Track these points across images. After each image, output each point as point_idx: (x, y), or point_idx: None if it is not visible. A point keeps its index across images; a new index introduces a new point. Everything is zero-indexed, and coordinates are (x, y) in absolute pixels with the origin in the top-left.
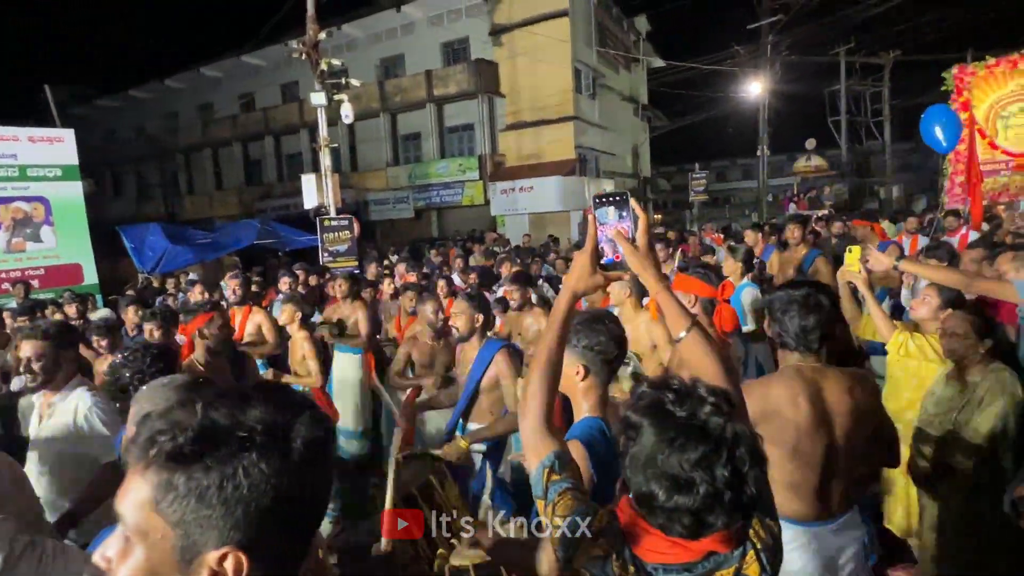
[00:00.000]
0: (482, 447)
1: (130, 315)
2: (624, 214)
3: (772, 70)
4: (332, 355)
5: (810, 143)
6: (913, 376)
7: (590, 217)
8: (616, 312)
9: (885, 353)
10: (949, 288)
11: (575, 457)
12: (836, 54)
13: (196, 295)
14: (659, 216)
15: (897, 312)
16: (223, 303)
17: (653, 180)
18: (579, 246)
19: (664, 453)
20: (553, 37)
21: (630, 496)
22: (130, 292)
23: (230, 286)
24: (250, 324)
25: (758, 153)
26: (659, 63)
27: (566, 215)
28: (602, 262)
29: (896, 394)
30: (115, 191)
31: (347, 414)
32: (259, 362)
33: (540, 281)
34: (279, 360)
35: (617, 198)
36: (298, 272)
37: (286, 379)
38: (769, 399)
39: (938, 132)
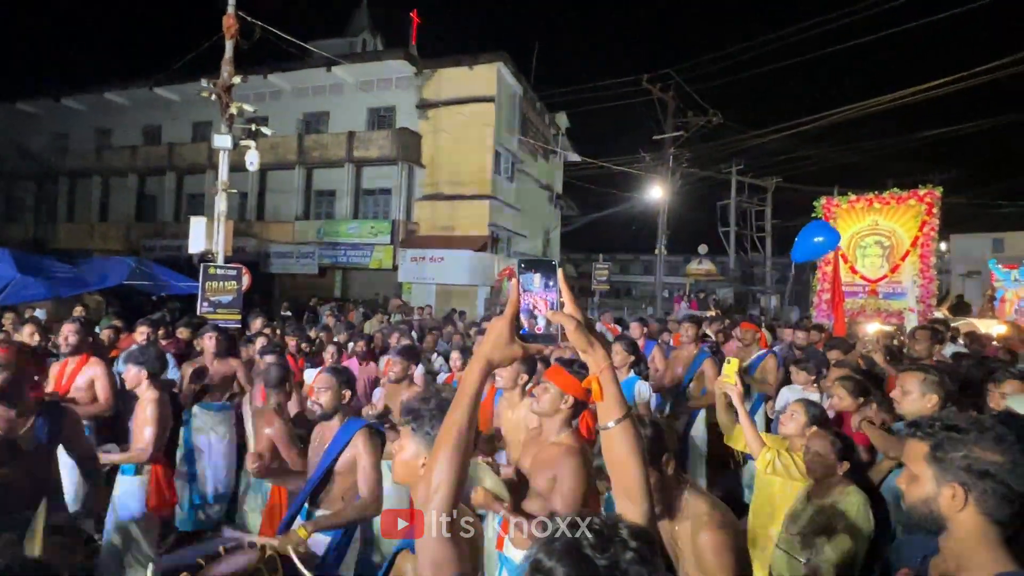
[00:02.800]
0: (327, 536)
1: None
2: (551, 284)
3: (673, 178)
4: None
5: (703, 248)
6: (778, 493)
7: (513, 282)
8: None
9: None
10: (815, 405)
11: None
12: (728, 172)
13: (25, 336)
14: None
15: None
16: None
17: (562, 265)
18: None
19: None
20: (478, 119)
21: None
22: None
23: (63, 332)
24: (81, 377)
25: (656, 252)
26: (575, 157)
27: (473, 289)
28: (520, 332)
29: (762, 510)
30: None
31: (206, 477)
32: (85, 424)
33: (435, 355)
34: (115, 422)
35: (544, 265)
36: (159, 321)
37: (104, 458)
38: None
39: (816, 240)
